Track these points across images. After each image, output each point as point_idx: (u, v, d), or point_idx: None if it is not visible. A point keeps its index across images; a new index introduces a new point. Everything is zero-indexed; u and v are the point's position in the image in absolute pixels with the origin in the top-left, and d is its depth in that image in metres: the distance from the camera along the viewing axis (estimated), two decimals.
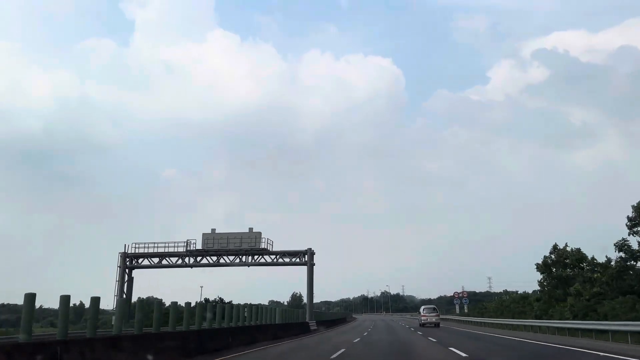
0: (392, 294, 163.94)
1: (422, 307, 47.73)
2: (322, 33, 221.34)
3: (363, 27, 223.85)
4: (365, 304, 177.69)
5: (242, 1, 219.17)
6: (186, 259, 41.63)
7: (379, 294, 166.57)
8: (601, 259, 31.16)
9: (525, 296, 43.42)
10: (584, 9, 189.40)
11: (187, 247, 41.29)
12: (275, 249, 42.00)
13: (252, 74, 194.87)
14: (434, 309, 44.80)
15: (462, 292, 67.27)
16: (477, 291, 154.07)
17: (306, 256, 41.11)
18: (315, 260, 41.81)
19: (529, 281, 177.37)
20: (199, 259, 41.76)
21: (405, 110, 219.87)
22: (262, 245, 40.90)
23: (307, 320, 38.87)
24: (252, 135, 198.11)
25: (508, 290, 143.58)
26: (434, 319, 41.00)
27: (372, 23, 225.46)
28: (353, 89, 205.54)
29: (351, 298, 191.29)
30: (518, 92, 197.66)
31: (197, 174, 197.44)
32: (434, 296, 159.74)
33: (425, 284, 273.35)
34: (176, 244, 41.64)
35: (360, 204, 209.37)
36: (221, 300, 76.63)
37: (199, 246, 41.32)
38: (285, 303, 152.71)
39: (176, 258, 41.81)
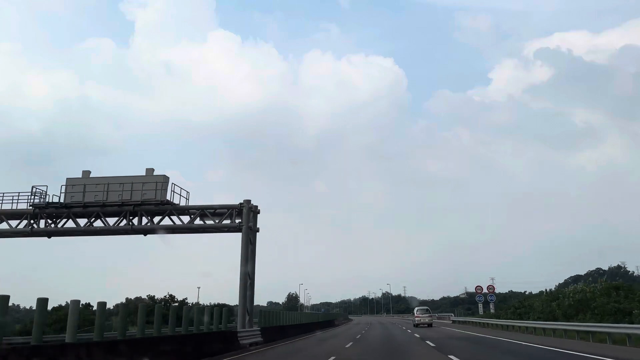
0: (393, 294, 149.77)
1: (416, 308, 49.08)
2: (323, 33, 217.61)
3: (364, 26, 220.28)
4: (366, 304, 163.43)
5: (243, 2, 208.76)
6: (34, 223, 24.04)
7: (380, 295, 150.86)
8: None
9: (618, 285, 25.78)
10: (585, 10, 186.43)
11: (33, 199, 23.75)
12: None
13: (253, 75, 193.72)
14: (427, 309, 46.26)
15: (489, 286, 50.15)
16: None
17: (241, 215, 23.55)
18: (261, 223, 24.53)
19: (532, 282, 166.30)
20: (59, 221, 24.19)
21: (407, 110, 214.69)
22: (168, 197, 23.52)
23: (237, 328, 21.50)
24: (254, 136, 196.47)
25: (513, 291, 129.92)
26: (427, 320, 42.74)
27: (373, 23, 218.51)
28: (355, 89, 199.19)
29: (352, 299, 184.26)
30: (521, 92, 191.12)
31: (197, 175, 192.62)
32: (437, 297, 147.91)
33: (428, 285, 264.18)
34: (20, 197, 24.17)
35: (363, 204, 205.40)
36: (171, 298, 60.15)
37: (60, 199, 23.92)
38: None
39: (18, 220, 24.24)
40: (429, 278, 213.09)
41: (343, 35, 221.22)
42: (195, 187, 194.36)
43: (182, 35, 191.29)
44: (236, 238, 23.58)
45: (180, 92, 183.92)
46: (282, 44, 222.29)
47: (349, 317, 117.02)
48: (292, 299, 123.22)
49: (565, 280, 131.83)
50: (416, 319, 43.35)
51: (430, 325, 41.77)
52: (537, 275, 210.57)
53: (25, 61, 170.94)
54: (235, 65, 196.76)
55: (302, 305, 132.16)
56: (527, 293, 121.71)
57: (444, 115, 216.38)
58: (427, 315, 43.62)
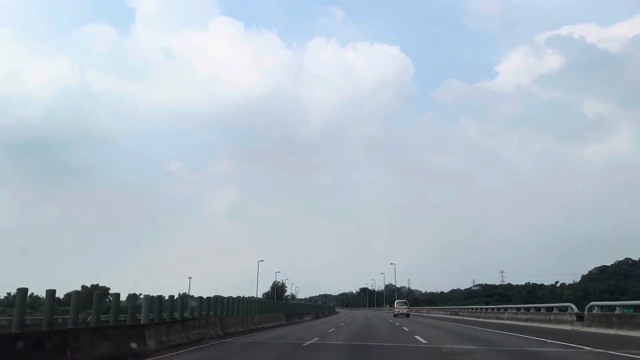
0: (397, 287, 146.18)
1: (396, 301, 57.87)
2: (328, 18, 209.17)
3: (369, 12, 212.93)
4: (365, 296, 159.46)
5: None
6: None
7: (383, 288, 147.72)
8: None
9: None
10: (594, 2, 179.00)
11: None
12: None
13: (256, 63, 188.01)
14: (405, 302, 56.13)
15: None
16: (496, 284, 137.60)
17: None
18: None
19: (539, 275, 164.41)
20: None
21: (413, 100, 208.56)
22: None
23: None
24: (256, 126, 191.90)
25: (532, 282, 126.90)
26: (404, 311, 51.48)
27: (378, 9, 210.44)
28: (360, 78, 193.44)
29: (354, 292, 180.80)
30: (530, 82, 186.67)
31: (199, 166, 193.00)
32: (446, 290, 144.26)
33: (434, 278, 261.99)
34: None
35: (366, 196, 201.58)
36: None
37: None
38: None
39: None
40: (435, 271, 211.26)
41: (348, 21, 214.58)
42: (199, 181, 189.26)
43: (183, 22, 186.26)
44: None
45: (182, 81, 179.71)
46: (285, 30, 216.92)
47: (337, 310, 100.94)
48: (278, 289, 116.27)
49: (589, 271, 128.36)
50: (396, 310, 52.80)
51: (407, 315, 49.27)
52: (546, 268, 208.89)
53: (24, 47, 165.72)
54: (238, 53, 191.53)
55: (293, 295, 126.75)
56: (557, 284, 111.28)
57: (452, 106, 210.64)
58: (405, 307, 53.20)
